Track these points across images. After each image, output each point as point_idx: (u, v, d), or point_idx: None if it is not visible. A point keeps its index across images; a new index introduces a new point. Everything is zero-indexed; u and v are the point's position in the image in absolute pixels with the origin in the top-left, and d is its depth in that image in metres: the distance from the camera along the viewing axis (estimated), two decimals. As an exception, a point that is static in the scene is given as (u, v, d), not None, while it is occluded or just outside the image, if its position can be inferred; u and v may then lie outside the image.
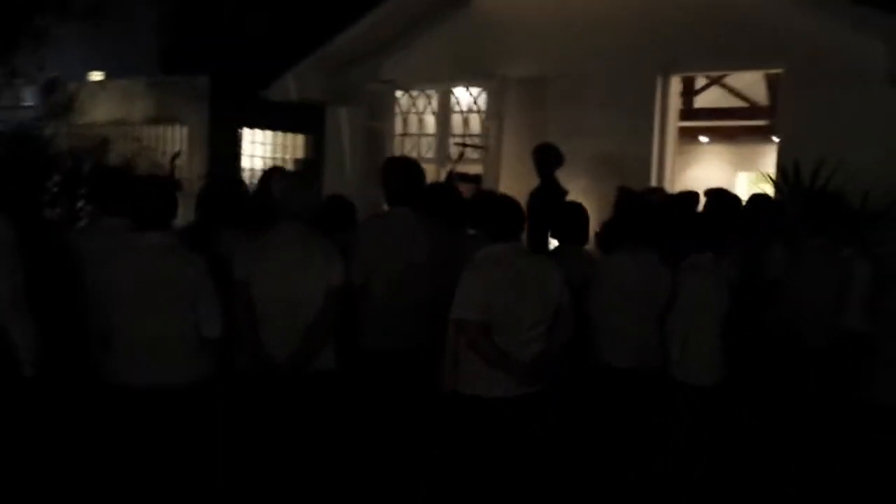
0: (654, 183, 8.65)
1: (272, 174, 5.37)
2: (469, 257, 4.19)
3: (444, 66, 9.92)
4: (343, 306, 4.24)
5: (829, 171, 7.16)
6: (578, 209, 5.29)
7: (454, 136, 10.14)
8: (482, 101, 9.80)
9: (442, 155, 10.08)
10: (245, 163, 14.10)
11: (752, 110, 12.57)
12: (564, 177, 8.31)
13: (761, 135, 13.36)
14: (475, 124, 9.94)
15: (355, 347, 4.48)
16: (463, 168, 11.16)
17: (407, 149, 10.43)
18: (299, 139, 14.74)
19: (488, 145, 9.50)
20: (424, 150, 10.29)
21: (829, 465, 5.11)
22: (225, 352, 4.10)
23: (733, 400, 4.82)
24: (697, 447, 4.74)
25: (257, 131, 14.24)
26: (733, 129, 13.16)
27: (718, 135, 13.47)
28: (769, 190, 8.17)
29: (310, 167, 14.59)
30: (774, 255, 5.50)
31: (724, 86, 12.22)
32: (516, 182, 8.55)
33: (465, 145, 8.49)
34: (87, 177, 10.00)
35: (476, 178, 10.09)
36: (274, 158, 14.44)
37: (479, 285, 4.01)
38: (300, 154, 14.85)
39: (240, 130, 13.94)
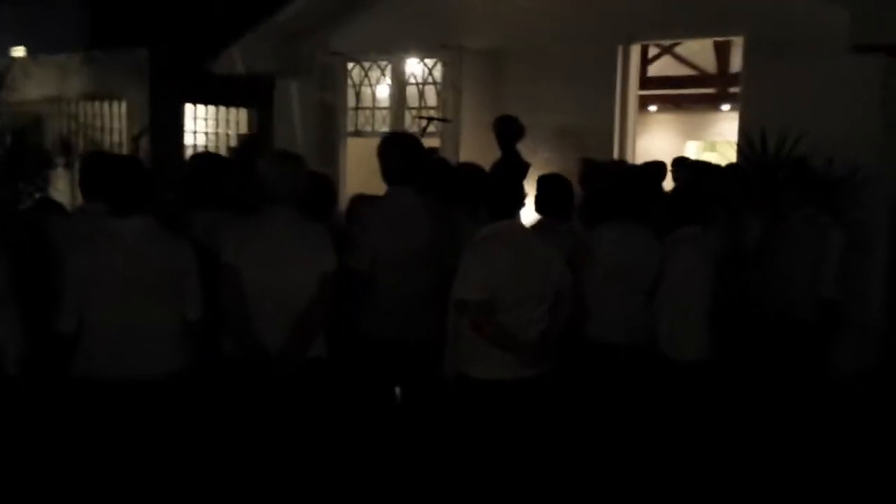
0: (616, 154, 8.59)
1: (247, 151, 5.11)
2: (469, 236, 4.03)
3: (398, 36, 9.70)
4: (336, 293, 4.06)
5: (794, 139, 7.16)
6: (563, 182, 5.16)
7: (409, 108, 9.94)
8: (438, 72, 9.62)
9: (397, 128, 9.88)
10: (188, 139, 13.69)
11: (701, 79, 12.62)
12: (525, 149, 8.18)
13: (709, 103, 13.45)
14: (431, 96, 9.76)
15: (356, 336, 4.30)
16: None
17: (360, 122, 10.21)
18: (243, 114, 14.36)
19: (448, 118, 9.34)
20: (378, 124, 10.08)
21: (811, 436, 5.12)
22: (209, 338, 3.90)
23: (721, 375, 4.77)
24: (686, 424, 4.69)
25: (199, 106, 13.83)
26: (681, 97, 13.20)
27: (667, 104, 13.48)
28: (732, 158, 8.18)
29: (254, 142, 14.28)
30: (752, 227, 5.46)
31: (673, 54, 12.22)
32: (476, 155, 8.37)
33: (429, 118, 8.32)
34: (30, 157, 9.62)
35: (430, 151, 9.89)
36: (217, 134, 14.06)
37: (482, 264, 3.86)
38: (244, 129, 14.48)
39: (182, 106, 13.52)
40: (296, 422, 3.91)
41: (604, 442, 4.54)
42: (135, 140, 9.64)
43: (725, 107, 13.47)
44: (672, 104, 13.50)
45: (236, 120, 14.38)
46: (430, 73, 9.67)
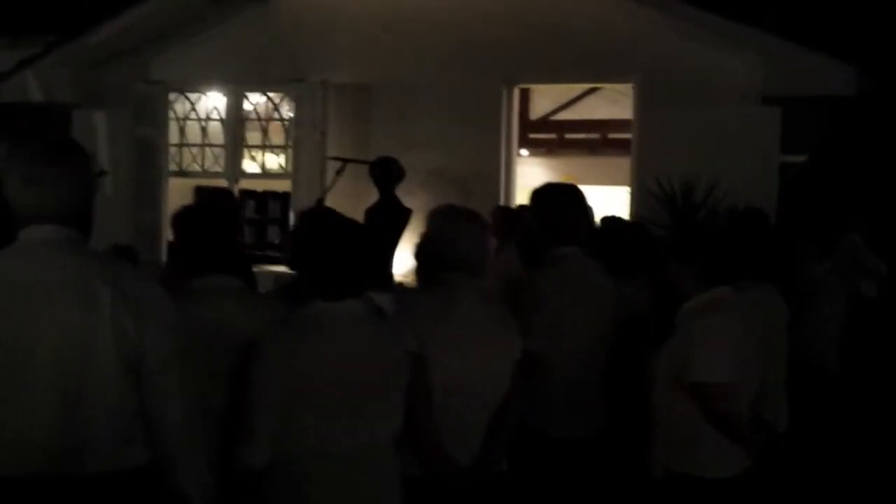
0: (502, 199, 8.17)
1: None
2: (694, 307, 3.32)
3: (234, 67, 8.67)
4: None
5: (705, 189, 7.14)
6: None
7: (249, 146, 8.92)
8: (285, 108, 8.70)
9: (234, 169, 8.81)
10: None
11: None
12: (400, 193, 7.59)
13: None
14: (277, 134, 8.81)
15: (530, 435, 3.43)
16: (255, 184, 9.91)
17: (185, 161, 8.99)
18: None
19: (299, 158, 8.46)
20: (210, 163, 8.93)
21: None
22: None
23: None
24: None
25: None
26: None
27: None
28: (626, 205, 8.05)
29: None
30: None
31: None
32: (342, 199, 7.59)
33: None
34: None
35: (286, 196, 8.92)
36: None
37: (721, 340, 3.17)
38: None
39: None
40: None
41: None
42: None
43: (524, 152, 13.56)
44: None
45: (-20, 154, 12.31)
46: (277, 109, 8.72)
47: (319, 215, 2.92)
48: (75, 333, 2.24)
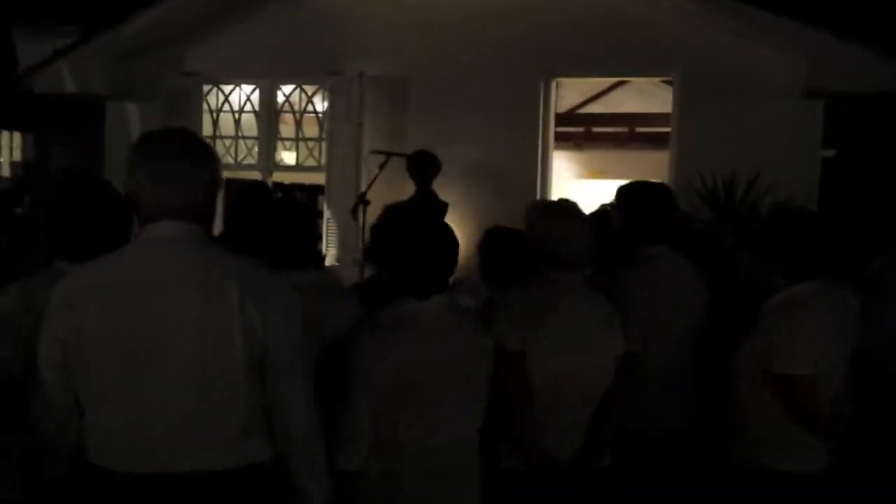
0: (538, 194, 8.13)
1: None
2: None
3: (268, 59, 8.65)
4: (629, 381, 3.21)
5: (746, 184, 7.09)
6: None
7: (283, 139, 8.90)
8: (318, 100, 8.67)
9: (268, 161, 8.80)
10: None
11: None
12: (435, 186, 7.58)
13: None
14: (311, 126, 8.78)
15: (623, 431, 3.43)
16: (282, 176, 9.90)
17: (220, 153, 8.94)
18: (17, 138, 12.35)
19: (334, 151, 8.43)
20: (243, 155, 8.92)
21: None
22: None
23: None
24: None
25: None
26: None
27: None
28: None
29: (33, 172, 12.33)
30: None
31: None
32: (375, 192, 7.58)
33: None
34: None
35: (316, 189, 8.92)
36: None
37: (809, 331, 3.19)
38: (17, 156, 12.46)
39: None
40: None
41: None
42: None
43: (551, 146, 13.52)
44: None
45: (8, 145, 12.35)
46: (311, 101, 8.69)
47: (405, 212, 2.89)
48: (204, 329, 2.24)
